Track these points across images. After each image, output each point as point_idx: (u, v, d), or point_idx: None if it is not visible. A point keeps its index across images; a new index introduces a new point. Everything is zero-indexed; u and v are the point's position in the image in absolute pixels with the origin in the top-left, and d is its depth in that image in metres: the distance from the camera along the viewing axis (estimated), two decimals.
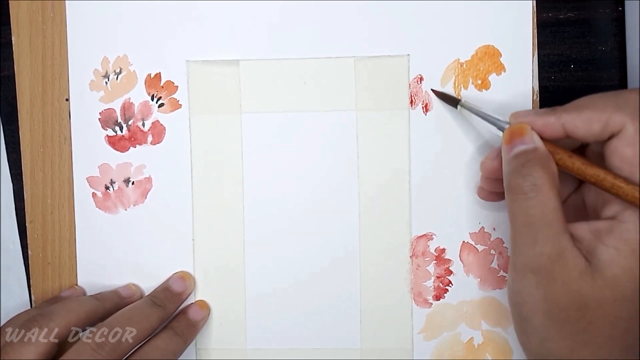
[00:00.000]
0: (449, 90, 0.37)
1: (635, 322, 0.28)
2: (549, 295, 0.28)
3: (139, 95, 0.38)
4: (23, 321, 0.33)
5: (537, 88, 0.37)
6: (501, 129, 0.32)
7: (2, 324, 0.34)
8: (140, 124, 0.38)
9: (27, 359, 0.31)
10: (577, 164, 0.29)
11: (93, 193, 0.38)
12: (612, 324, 0.28)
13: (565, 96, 0.37)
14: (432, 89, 0.37)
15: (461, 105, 0.35)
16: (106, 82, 0.38)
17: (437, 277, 0.38)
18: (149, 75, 0.38)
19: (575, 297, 0.28)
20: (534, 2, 0.36)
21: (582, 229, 0.29)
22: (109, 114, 0.38)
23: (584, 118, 0.29)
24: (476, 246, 0.37)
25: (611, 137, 0.29)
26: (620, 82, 0.37)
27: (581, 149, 0.32)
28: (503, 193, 0.34)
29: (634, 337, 0.29)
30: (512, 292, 0.30)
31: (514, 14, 0.36)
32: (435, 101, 0.37)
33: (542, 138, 0.30)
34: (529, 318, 0.29)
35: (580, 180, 0.33)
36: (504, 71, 0.37)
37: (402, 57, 0.37)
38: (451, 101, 0.36)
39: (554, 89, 0.37)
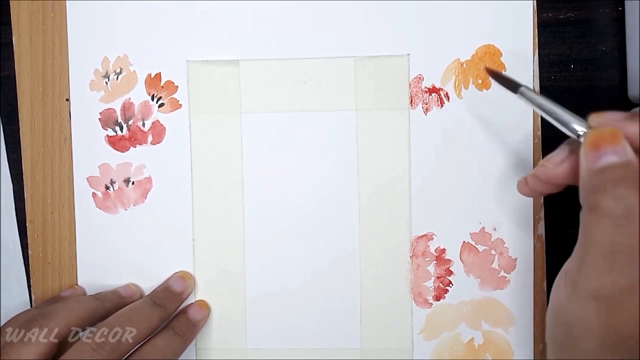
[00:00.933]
0: (450, 90, 0.37)
1: None
2: (611, 323, 0.26)
3: (139, 95, 0.38)
4: (23, 321, 0.33)
5: (537, 88, 0.37)
6: (575, 131, 0.27)
7: (2, 324, 0.34)
8: (140, 124, 0.38)
9: (27, 359, 0.31)
10: None
11: (93, 193, 0.38)
12: None
13: (565, 96, 0.37)
14: (486, 68, 0.34)
15: (521, 93, 0.30)
16: (106, 82, 0.38)
17: (437, 278, 0.38)
18: (149, 75, 0.38)
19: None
20: (534, 2, 0.36)
21: None
22: (109, 114, 0.38)
23: None
24: (476, 246, 0.37)
25: None
26: (620, 82, 0.37)
27: None
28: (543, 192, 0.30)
29: None
30: (563, 309, 0.28)
31: (514, 14, 0.36)
32: (435, 101, 0.37)
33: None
34: (579, 339, 0.27)
35: None
36: (505, 71, 0.36)
37: (402, 57, 0.37)
38: (510, 85, 0.31)
39: (554, 89, 0.37)
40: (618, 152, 0.26)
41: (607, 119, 0.27)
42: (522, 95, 0.30)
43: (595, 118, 0.28)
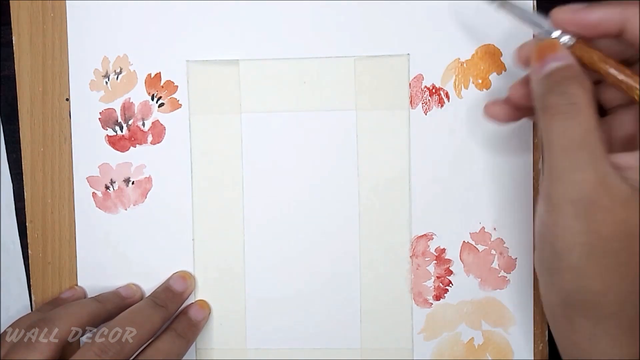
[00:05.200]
0: (450, 89, 0.37)
1: None
2: (591, 226, 0.26)
3: (139, 95, 0.38)
4: (25, 326, 0.33)
5: None
6: (547, 32, 0.29)
7: (3, 326, 0.34)
8: (140, 123, 0.38)
9: None
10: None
11: (93, 193, 0.38)
12: None
13: None
14: None
15: (500, 4, 0.32)
16: (106, 82, 0.38)
17: (437, 277, 0.38)
18: (149, 75, 0.38)
19: (620, 226, 0.26)
20: (534, 2, 0.36)
21: (624, 158, 0.27)
22: (109, 114, 0.38)
23: None
24: (476, 246, 0.37)
25: None
26: None
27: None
28: (513, 113, 0.33)
29: None
30: (544, 226, 0.28)
31: None
32: (435, 101, 0.37)
33: (586, 38, 0.28)
34: (564, 253, 0.27)
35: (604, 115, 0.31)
36: (505, 70, 0.36)
37: (402, 56, 0.37)
38: None
39: None
40: (558, 58, 0.28)
41: (567, 11, 0.29)
42: (501, 5, 0.31)
43: (555, 12, 0.29)
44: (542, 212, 0.28)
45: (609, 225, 0.26)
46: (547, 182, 0.28)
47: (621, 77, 0.28)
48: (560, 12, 0.29)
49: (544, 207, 0.28)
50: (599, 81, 0.30)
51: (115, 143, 0.38)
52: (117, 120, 0.38)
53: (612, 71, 0.28)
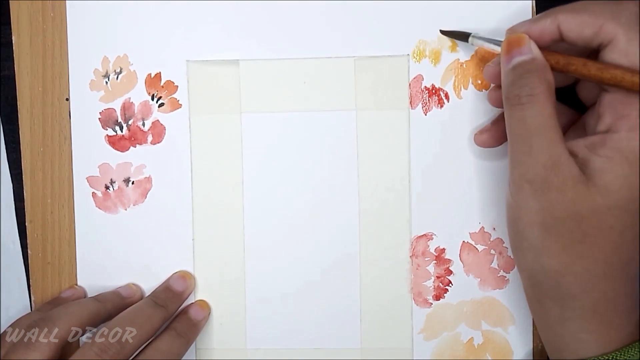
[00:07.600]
0: (449, 90, 0.37)
1: (630, 234, 0.29)
2: (544, 204, 0.29)
3: (139, 95, 0.38)
4: (25, 326, 0.33)
5: None
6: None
7: (3, 327, 0.34)
8: (140, 123, 0.38)
9: None
10: (592, 69, 0.29)
11: (93, 193, 0.38)
12: (606, 235, 0.28)
13: (565, 96, 0.37)
14: (440, 30, 0.36)
15: (473, 37, 0.34)
16: (106, 82, 0.38)
17: (437, 277, 0.38)
18: (149, 75, 0.38)
19: (570, 206, 0.28)
20: (534, 2, 0.36)
21: (578, 144, 0.30)
22: (109, 114, 0.38)
23: (578, 21, 0.29)
24: (476, 246, 0.37)
25: (600, 46, 0.29)
26: None
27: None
28: (503, 135, 0.34)
29: (630, 251, 0.29)
30: (509, 206, 0.31)
31: (514, 14, 0.36)
32: (435, 102, 0.37)
33: (546, 48, 0.30)
34: (525, 232, 0.30)
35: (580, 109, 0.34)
36: None
37: (402, 57, 0.37)
38: (462, 36, 0.35)
39: None
40: (523, 52, 0.30)
41: (517, 27, 0.31)
42: (474, 39, 0.34)
43: (509, 30, 0.32)
44: (508, 196, 0.31)
45: (560, 205, 0.28)
46: (510, 167, 0.30)
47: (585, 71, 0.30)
48: (511, 31, 0.32)
49: (509, 191, 0.31)
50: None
51: (115, 143, 0.38)
52: (117, 120, 0.38)
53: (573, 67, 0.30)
